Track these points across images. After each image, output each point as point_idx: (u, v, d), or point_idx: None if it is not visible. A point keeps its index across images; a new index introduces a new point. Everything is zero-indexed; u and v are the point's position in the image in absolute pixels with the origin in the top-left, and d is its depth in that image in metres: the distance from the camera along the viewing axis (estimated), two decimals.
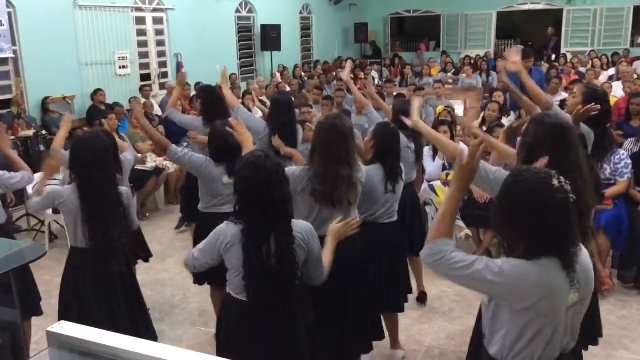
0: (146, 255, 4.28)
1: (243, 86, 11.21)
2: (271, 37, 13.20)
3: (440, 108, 7.40)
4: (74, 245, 3.12)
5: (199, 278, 3.84)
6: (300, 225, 2.44)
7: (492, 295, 1.89)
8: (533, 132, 2.51)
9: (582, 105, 3.37)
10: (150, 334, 3.27)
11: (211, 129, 3.74)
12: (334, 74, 13.21)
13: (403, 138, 3.78)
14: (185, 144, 7.49)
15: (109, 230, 3.00)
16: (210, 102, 4.79)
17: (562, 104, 7.57)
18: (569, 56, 14.02)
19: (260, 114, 8.75)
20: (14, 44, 7.92)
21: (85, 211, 2.98)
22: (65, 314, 2.93)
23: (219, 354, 2.52)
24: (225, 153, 3.50)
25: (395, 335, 3.66)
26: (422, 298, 4.37)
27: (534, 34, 18.82)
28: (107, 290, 3.09)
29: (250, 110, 7.13)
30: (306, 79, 12.26)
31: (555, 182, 1.78)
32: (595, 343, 3.15)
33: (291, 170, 2.86)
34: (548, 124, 2.48)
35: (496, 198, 1.93)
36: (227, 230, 2.38)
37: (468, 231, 4.90)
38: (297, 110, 7.42)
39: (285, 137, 4.26)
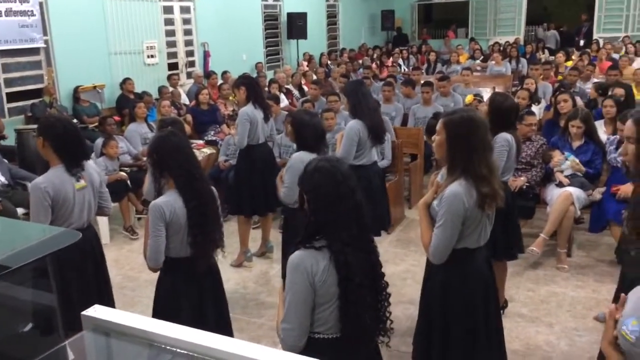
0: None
1: (269, 74, 11.23)
2: (297, 25, 13.17)
3: (469, 97, 7.30)
4: (176, 257, 2.81)
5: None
6: None
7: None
8: None
9: None
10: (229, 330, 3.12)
11: (296, 119, 3.76)
12: (360, 61, 13.14)
13: (508, 136, 3.62)
14: (212, 133, 7.58)
15: (210, 232, 2.83)
16: (253, 89, 4.98)
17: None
18: (601, 42, 13.68)
19: (286, 102, 8.77)
20: (45, 33, 8.06)
21: (191, 215, 2.74)
22: None
23: None
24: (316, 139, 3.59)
25: None
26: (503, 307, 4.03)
27: (566, 19, 18.40)
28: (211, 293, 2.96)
29: (278, 99, 7.15)
30: (332, 67, 12.22)
31: None
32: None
33: (453, 193, 2.44)
34: None
35: None
36: (312, 261, 2.03)
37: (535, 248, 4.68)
38: (323, 99, 7.46)
39: (376, 122, 4.37)
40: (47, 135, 3.07)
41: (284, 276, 4.07)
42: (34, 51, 8.04)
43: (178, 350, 1.45)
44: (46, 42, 8.11)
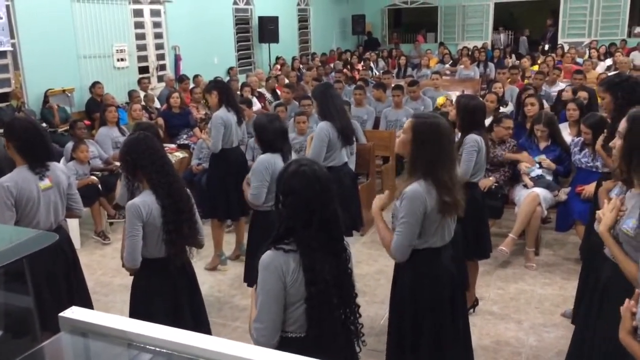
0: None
1: (241, 78, 11.22)
2: (269, 29, 13.18)
3: (441, 99, 7.43)
4: (150, 257, 2.83)
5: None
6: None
7: None
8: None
9: (614, 104, 3.33)
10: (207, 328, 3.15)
11: (255, 123, 3.79)
12: (332, 65, 13.22)
13: (477, 137, 3.72)
14: (184, 136, 7.54)
15: (185, 229, 2.87)
16: (225, 92, 5.02)
17: (560, 95, 7.64)
18: (566, 47, 14.04)
19: (258, 105, 8.78)
20: (12, 36, 7.91)
21: (165, 212, 2.77)
22: None
23: None
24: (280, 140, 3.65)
25: None
26: (474, 305, 4.18)
27: (532, 24, 18.83)
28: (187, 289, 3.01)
29: (251, 103, 7.16)
30: (304, 70, 12.26)
31: None
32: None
33: (413, 191, 2.51)
34: None
35: None
36: (282, 261, 2.04)
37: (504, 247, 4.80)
38: (296, 103, 7.50)
39: (345, 123, 4.48)
40: (9, 136, 3.14)
41: (245, 280, 4.17)
42: (1, 54, 7.88)
43: (157, 349, 1.47)
44: (13, 45, 7.95)
